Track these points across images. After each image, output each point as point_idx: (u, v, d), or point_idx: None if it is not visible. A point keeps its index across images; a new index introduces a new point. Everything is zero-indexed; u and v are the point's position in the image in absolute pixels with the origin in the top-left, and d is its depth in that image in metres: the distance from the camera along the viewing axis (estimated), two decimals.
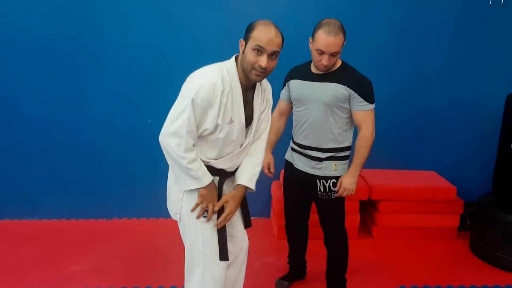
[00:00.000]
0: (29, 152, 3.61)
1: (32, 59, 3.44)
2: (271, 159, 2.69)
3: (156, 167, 3.71)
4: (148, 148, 3.67)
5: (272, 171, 2.69)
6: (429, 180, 3.64)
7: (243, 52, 1.88)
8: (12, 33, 3.39)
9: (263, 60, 1.82)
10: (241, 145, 2.05)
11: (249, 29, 1.87)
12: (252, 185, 2.08)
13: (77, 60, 3.47)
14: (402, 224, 3.56)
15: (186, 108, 1.81)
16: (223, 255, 2.01)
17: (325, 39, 2.21)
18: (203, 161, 1.96)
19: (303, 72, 2.49)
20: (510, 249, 3.12)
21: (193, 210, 1.98)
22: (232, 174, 2.10)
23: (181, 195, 2.02)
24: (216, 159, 2.00)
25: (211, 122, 1.88)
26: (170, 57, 3.53)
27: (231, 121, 1.93)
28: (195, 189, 1.97)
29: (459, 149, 3.90)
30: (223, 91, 1.86)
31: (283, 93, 2.65)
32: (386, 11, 3.58)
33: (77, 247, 3.30)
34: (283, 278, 2.90)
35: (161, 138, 1.94)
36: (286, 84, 2.60)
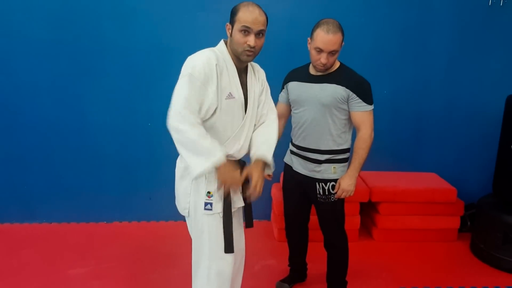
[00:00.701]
0: (29, 156, 3.62)
1: (32, 63, 3.45)
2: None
3: (156, 170, 3.73)
4: (148, 151, 3.68)
5: (270, 174, 2.68)
6: (429, 182, 3.64)
7: (230, 35, 1.96)
8: (12, 38, 3.39)
9: (251, 40, 1.90)
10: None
11: (233, 12, 1.95)
12: (268, 157, 2.05)
13: (77, 64, 3.48)
14: (403, 226, 3.56)
15: (184, 84, 1.86)
16: (229, 247, 2.03)
17: (324, 37, 2.22)
18: None
19: (301, 74, 2.49)
20: (511, 251, 3.12)
21: (218, 188, 1.97)
22: (240, 163, 2.10)
23: (188, 189, 2.03)
24: (223, 143, 1.99)
25: (213, 98, 1.90)
26: (170, 60, 3.53)
27: (230, 96, 1.97)
28: (203, 180, 1.97)
29: (460, 151, 3.90)
30: (217, 64, 1.92)
31: (282, 95, 2.66)
32: (386, 14, 3.58)
33: (77, 250, 3.30)
34: (283, 281, 2.90)
35: (168, 122, 1.88)
36: (285, 87, 2.61)
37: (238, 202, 2.10)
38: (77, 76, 3.50)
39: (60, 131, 3.59)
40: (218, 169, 1.90)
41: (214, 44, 3.47)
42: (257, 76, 2.15)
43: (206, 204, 2.00)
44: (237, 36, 1.92)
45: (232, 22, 1.95)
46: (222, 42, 2.04)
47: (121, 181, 3.73)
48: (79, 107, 3.56)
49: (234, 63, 2.01)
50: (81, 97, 3.55)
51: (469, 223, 3.74)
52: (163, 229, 3.68)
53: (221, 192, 2.00)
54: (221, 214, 2.02)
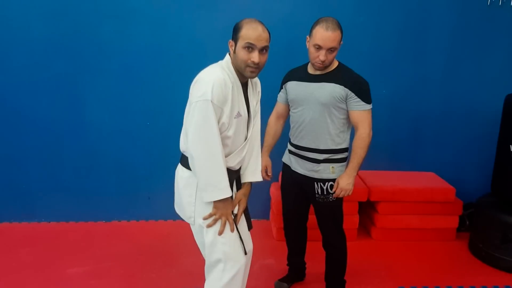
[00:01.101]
0: (28, 155, 3.62)
1: (31, 62, 3.44)
2: (268, 162, 2.70)
3: (155, 169, 3.73)
4: (147, 150, 3.67)
5: (269, 174, 2.69)
6: (428, 181, 3.64)
7: (234, 52, 1.98)
8: (11, 36, 3.39)
9: (255, 56, 1.92)
10: (245, 139, 2.12)
11: (236, 29, 1.96)
12: (258, 178, 2.24)
13: (76, 63, 3.47)
14: (401, 225, 3.56)
15: (207, 111, 1.85)
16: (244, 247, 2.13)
17: (323, 34, 2.23)
18: None
19: (300, 74, 2.50)
20: (509, 250, 3.12)
21: (205, 219, 2.03)
22: (237, 173, 2.16)
23: (193, 198, 2.05)
24: (226, 157, 2.03)
25: (226, 118, 1.94)
26: (169, 59, 3.53)
27: (238, 115, 2.01)
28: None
29: (458, 150, 3.90)
30: (232, 86, 1.94)
31: (280, 95, 2.66)
32: (384, 13, 3.58)
33: (76, 249, 3.30)
34: (282, 280, 2.90)
35: (192, 147, 1.91)
36: (283, 87, 2.61)
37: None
38: (76, 76, 3.50)
39: (59, 130, 3.58)
40: (218, 202, 1.99)
41: (212, 43, 3.50)
42: (255, 88, 2.18)
43: None
44: (241, 53, 1.93)
45: (235, 39, 1.96)
46: (228, 58, 2.03)
47: (119, 180, 3.73)
48: (78, 107, 3.56)
49: (239, 79, 2.02)
50: (80, 96, 3.54)
51: (467, 222, 3.75)
52: (161, 228, 3.68)
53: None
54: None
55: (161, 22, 3.46)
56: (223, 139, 1.98)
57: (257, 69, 1.96)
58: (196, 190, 2.03)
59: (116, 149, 3.67)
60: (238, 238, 2.09)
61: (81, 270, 3.02)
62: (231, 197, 2.03)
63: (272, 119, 2.71)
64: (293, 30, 3.45)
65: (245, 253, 2.11)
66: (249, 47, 1.91)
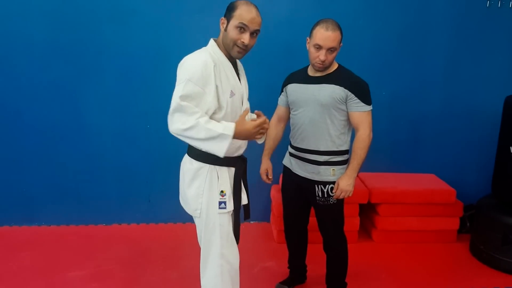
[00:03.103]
0: (28, 159, 3.61)
1: (31, 66, 3.45)
2: (269, 165, 2.70)
3: (155, 172, 3.73)
4: (147, 153, 3.67)
5: (270, 177, 2.69)
6: (428, 183, 3.64)
7: (225, 30, 1.99)
8: (11, 39, 3.39)
9: (245, 37, 1.95)
10: None
11: (231, 8, 1.98)
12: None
13: (76, 66, 3.48)
14: (402, 227, 3.56)
15: (182, 89, 1.86)
16: (237, 240, 2.13)
17: (323, 34, 2.24)
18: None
19: (300, 76, 2.50)
20: (510, 252, 3.12)
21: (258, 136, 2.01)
22: (244, 162, 2.17)
23: (201, 189, 2.03)
24: None
25: (212, 99, 1.92)
26: (169, 63, 3.49)
27: (232, 94, 2.01)
28: (216, 180, 2.02)
29: (458, 152, 3.90)
30: (215, 65, 1.94)
31: (281, 98, 2.67)
32: (384, 15, 3.59)
33: (76, 253, 3.29)
34: (283, 283, 2.89)
35: (171, 128, 1.90)
36: (284, 90, 2.61)
37: (244, 199, 2.18)
38: (76, 79, 3.50)
39: (59, 133, 3.58)
40: (236, 136, 1.92)
41: None
42: (242, 69, 2.21)
43: (220, 203, 2.04)
44: (233, 32, 1.95)
45: (228, 17, 1.97)
46: (212, 42, 2.06)
47: (120, 184, 3.73)
48: (78, 110, 3.56)
49: (228, 59, 2.04)
50: (80, 99, 3.55)
51: (468, 224, 3.74)
52: (162, 231, 3.68)
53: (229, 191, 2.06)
54: (232, 212, 2.09)
55: (161, 26, 3.47)
56: (222, 119, 1.98)
57: (245, 50, 1.99)
58: (206, 181, 2.02)
59: (116, 152, 3.67)
60: (232, 233, 2.11)
61: (81, 274, 3.02)
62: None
63: (273, 122, 2.71)
64: (293, 33, 3.46)
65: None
66: (242, 28, 1.93)
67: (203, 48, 2.06)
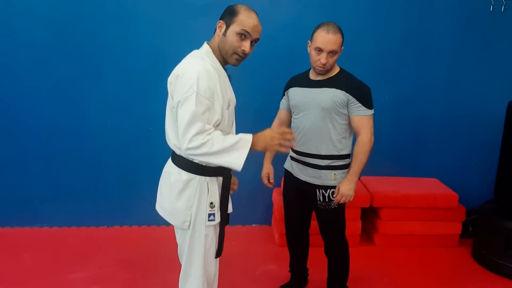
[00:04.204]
0: (30, 160, 3.62)
1: (33, 67, 3.46)
2: (270, 169, 2.69)
3: (157, 174, 3.69)
4: (149, 155, 3.68)
5: (271, 181, 2.68)
6: (431, 187, 3.63)
7: (223, 35, 1.88)
8: (13, 41, 3.41)
9: (246, 45, 1.86)
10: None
11: (232, 12, 1.87)
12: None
13: (78, 68, 3.49)
14: (404, 232, 3.54)
15: (191, 106, 1.75)
16: (220, 251, 2.07)
17: (324, 37, 2.24)
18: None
19: (301, 80, 2.50)
20: None
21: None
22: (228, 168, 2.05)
23: (191, 201, 1.95)
24: None
25: (219, 111, 1.86)
26: (171, 65, 3.52)
27: (228, 105, 1.95)
28: (206, 192, 1.95)
29: (461, 156, 3.89)
30: (218, 77, 1.87)
31: (282, 102, 2.66)
32: (387, 19, 3.59)
33: (78, 254, 3.29)
34: (284, 286, 2.89)
35: (185, 148, 1.79)
36: (285, 93, 2.61)
37: (230, 208, 2.10)
38: (78, 80, 3.51)
39: (61, 135, 3.59)
40: (254, 145, 1.85)
41: None
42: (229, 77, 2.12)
43: (209, 215, 1.97)
44: (233, 38, 1.86)
45: (228, 21, 1.87)
46: (208, 48, 1.94)
47: (122, 186, 3.73)
48: (80, 111, 3.57)
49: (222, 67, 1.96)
50: (82, 101, 3.56)
51: (470, 229, 3.73)
52: (163, 233, 3.67)
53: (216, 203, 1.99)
54: (219, 223, 2.02)
55: (164, 28, 3.47)
56: (220, 130, 1.91)
57: (243, 58, 1.91)
58: (196, 193, 1.94)
59: (118, 154, 3.67)
60: (216, 244, 2.04)
61: (83, 275, 3.02)
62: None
63: (275, 126, 2.71)
64: (295, 37, 3.46)
65: (216, 256, 2.06)
66: (243, 35, 1.85)
67: (197, 54, 1.94)
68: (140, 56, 3.51)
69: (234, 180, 2.18)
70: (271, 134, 1.87)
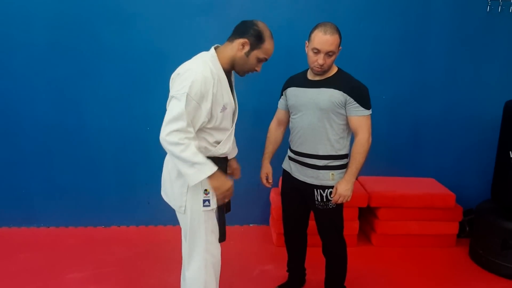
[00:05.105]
0: (27, 160, 3.61)
1: (31, 67, 3.45)
2: (269, 169, 2.69)
3: (154, 174, 3.69)
4: (147, 155, 3.67)
5: (270, 181, 2.69)
6: (428, 187, 3.64)
7: (246, 55, 2.05)
8: (10, 42, 3.40)
9: (260, 67, 2.13)
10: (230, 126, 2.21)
11: (258, 37, 2.04)
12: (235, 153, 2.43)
13: (76, 68, 3.48)
14: (401, 231, 3.55)
15: (180, 102, 1.91)
16: (223, 237, 2.22)
17: (321, 37, 2.24)
18: (204, 151, 2.07)
19: (299, 80, 2.50)
20: (510, 256, 3.12)
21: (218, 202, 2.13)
22: (226, 161, 2.27)
23: (185, 189, 2.10)
24: (215, 146, 2.13)
25: (206, 115, 2.00)
26: (169, 65, 3.49)
27: (223, 109, 2.08)
28: (198, 182, 2.04)
29: (458, 156, 3.90)
30: (214, 83, 1.99)
31: (281, 102, 2.67)
32: (384, 19, 3.60)
33: (75, 255, 3.29)
34: (282, 286, 2.89)
35: (162, 137, 1.98)
36: (283, 93, 2.61)
37: None
38: (76, 80, 3.51)
39: (59, 135, 3.58)
40: (210, 178, 2.02)
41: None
42: (233, 79, 2.26)
43: (204, 201, 2.11)
44: (254, 61, 2.06)
45: (254, 44, 2.04)
46: (214, 54, 2.07)
47: (119, 186, 3.72)
48: (77, 111, 3.56)
49: (225, 72, 2.09)
50: (79, 101, 3.55)
51: (467, 228, 3.74)
52: (161, 233, 3.67)
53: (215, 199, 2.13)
54: (216, 208, 2.16)
55: (161, 28, 3.47)
56: (210, 130, 2.07)
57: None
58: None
59: (116, 154, 3.67)
60: (217, 228, 2.19)
61: (80, 276, 3.01)
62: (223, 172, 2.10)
63: (273, 126, 2.71)
64: (293, 37, 3.45)
65: (220, 241, 2.22)
66: (262, 60, 2.09)
67: (203, 57, 2.07)
68: (137, 55, 3.51)
69: (237, 166, 2.40)
70: (227, 185, 2.07)
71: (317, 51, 2.28)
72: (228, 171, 2.32)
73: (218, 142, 2.13)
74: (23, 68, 3.45)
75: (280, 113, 2.68)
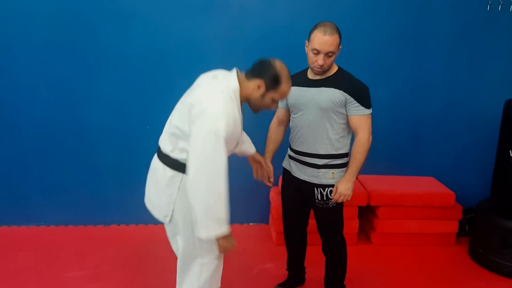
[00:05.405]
0: (27, 158, 3.61)
1: (30, 66, 3.44)
2: (270, 168, 2.69)
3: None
4: (146, 154, 3.63)
5: (271, 180, 2.68)
6: (427, 186, 3.64)
7: (262, 96, 2.01)
8: (10, 40, 3.39)
9: (275, 106, 2.12)
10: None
11: (275, 80, 1.99)
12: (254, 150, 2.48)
13: (75, 66, 3.47)
14: (401, 230, 3.55)
15: (218, 147, 1.83)
16: None
17: (321, 38, 2.23)
18: None
19: (300, 79, 2.49)
20: (509, 255, 3.12)
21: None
22: None
23: (174, 197, 2.02)
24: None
25: (230, 145, 1.96)
26: (168, 63, 3.53)
27: (236, 145, 2.12)
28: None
29: (458, 155, 3.90)
30: (234, 123, 1.92)
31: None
32: (384, 18, 3.59)
33: (75, 253, 3.29)
34: (281, 285, 2.89)
35: (194, 179, 1.86)
36: None
37: None
38: (75, 79, 3.50)
39: (58, 134, 3.58)
40: (222, 238, 1.97)
41: (211, 48, 3.49)
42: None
43: None
44: (269, 101, 2.03)
45: (270, 86, 1.99)
46: (236, 87, 1.97)
47: (119, 184, 3.72)
48: (77, 110, 3.56)
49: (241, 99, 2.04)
50: (79, 100, 3.54)
51: (467, 227, 3.74)
52: (161, 232, 3.62)
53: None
54: None
55: (161, 26, 3.46)
56: None
57: None
58: (178, 190, 2.00)
59: (115, 152, 3.66)
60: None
61: (80, 274, 3.01)
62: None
63: (273, 125, 2.70)
64: (293, 36, 3.45)
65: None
66: (277, 101, 2.07)
67: (225, 88, 1.94)
68: (137, 54, 3.50)
69: (265, 162, 2.53)
70: (233, 245, 2.03)
71: (317, 52, 2.27)
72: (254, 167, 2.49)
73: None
74: (22, 67, 3.44)
75: (280, 112, 2.68)
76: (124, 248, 3.39)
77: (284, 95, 2.05)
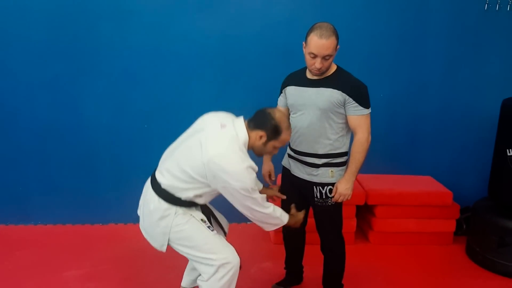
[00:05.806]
0: (25, 157, 3.60)
1: (28, 64, 3.44)
2: (271, 167, 2.70)
3: (152, 171, 3.71)
4: (144, 152, 3.67)
5: (273, 178, 2.69)
6: (425, 185, 3.65)
7: (263, 144, 2.17)
8: (8, 38, 3.38)
9: (277, 150, 2.26)
10: None
11: (275, 131, 2.13)
12: None
13: (74, 64, 3.47)
14: (399, 229, 3.56)
15: (250, 196, 2.07)
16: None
17: (317, 42, 2.22)
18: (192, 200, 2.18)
19: (299, 78, 2.49)
20: (506, 254, 3.13)
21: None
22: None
23: (167, 230, 2.17)
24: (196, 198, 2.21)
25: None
26: (167, 62, 3.53)
27: None
28: (182, 217, 2.17)
29: (455, 154, 3.91)
30: None
31: (280, 99, 2.66)
32: (382, 17, 3.60)
33: (73, 252, 3.28)
34: (279, 284, 2.90)
35: (263, 227, 2.31)
36: (283, 91, 2.60)
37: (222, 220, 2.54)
38: (73, 77, 3.49)
39: (56, 132, 3.57)
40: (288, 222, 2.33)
41: (210, 46, 3.49)
42: None
43: (208, 227, 2.25)
44: (271, 148, 2.19)
45: (271, 136, 2.14)
46: (246, 138, 2.12)
47: (117, 183, 3.72)
48: (75, 108, 3.55)
49: None
50: (77, 98, 3.54)
51: (464, 226, 3.75)
52: None
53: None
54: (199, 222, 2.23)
55: (159, 25, 3.46)
56: (205, 191, 2.16)
57: None
58: (173, 221, 2.14)
59: (113, 151, 3.66)
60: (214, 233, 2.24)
61: (78, 273, 3.01)
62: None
63: None
64: (292, 34, 3.45)
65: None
66: (278, 147, 2.20)
67: (235, 141, 2.09)
68: (135, 53, 3.49)
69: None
70: (300, 217, 2.44)
71: (314, 56, 2.26)
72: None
73: (200, 196, 2.18)
74: (20, 65, 3.44)
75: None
76: (122, 247, 3.39)
77: (284, 143, 2.21)
